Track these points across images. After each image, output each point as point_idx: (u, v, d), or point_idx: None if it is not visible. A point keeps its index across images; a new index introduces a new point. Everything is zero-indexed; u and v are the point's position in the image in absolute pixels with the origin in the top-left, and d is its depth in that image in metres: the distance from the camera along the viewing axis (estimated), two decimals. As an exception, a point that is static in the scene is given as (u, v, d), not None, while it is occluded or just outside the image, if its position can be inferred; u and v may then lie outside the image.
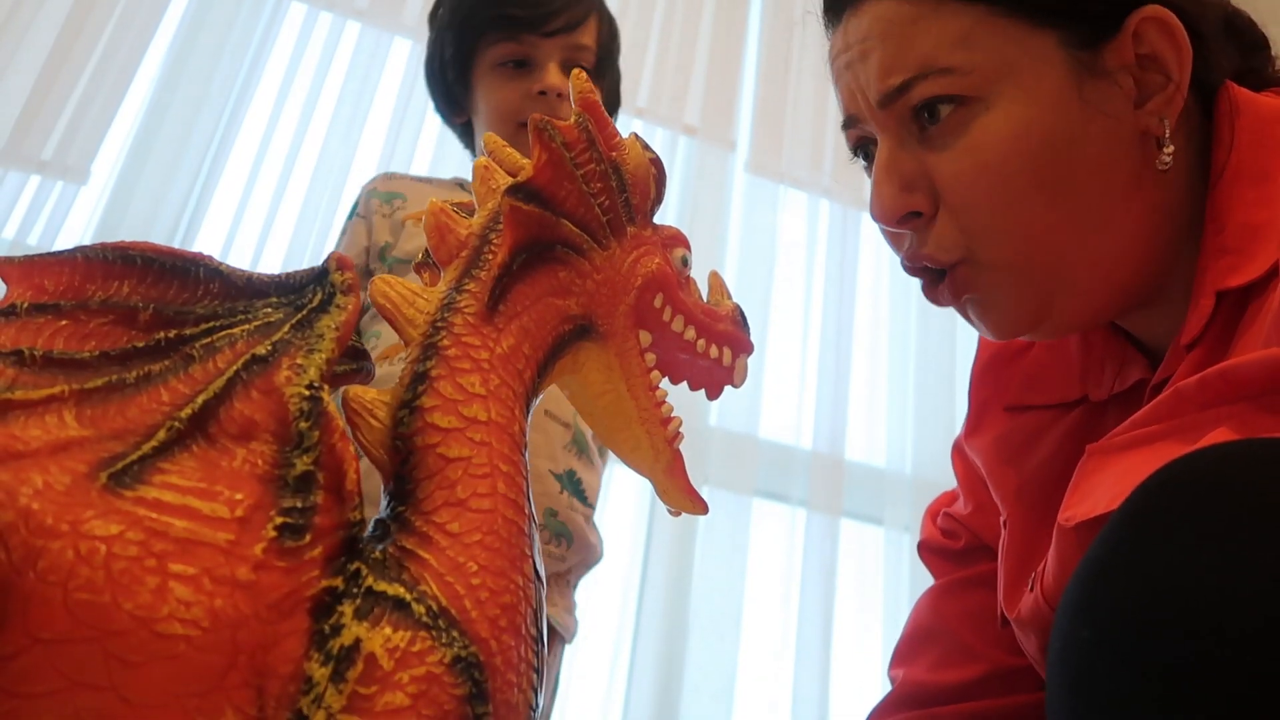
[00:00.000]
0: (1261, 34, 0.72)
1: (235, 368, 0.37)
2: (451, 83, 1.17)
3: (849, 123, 0.71)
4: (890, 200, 0.66)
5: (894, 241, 0.71)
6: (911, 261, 0.68)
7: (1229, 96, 0.66)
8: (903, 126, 0.66)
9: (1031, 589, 0.64)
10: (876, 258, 2.13)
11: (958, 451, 0.85)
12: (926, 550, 0.87)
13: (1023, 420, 0.78)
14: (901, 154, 0.66)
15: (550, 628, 0.97)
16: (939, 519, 0.87)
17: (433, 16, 1.22)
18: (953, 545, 0.84)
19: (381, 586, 0.36)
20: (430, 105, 1.82)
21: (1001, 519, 0.75)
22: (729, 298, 0.54)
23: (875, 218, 0.68)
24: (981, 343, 0.84)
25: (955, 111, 0.64)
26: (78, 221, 1.59)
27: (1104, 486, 0.53)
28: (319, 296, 0.40)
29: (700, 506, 0.50)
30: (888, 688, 0.83)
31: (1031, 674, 0.76)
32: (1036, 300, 0.66)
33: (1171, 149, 0.64)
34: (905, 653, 0.83)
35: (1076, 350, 0.76)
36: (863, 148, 0.72)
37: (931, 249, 0.66)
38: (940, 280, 0.68)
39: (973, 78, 0.63)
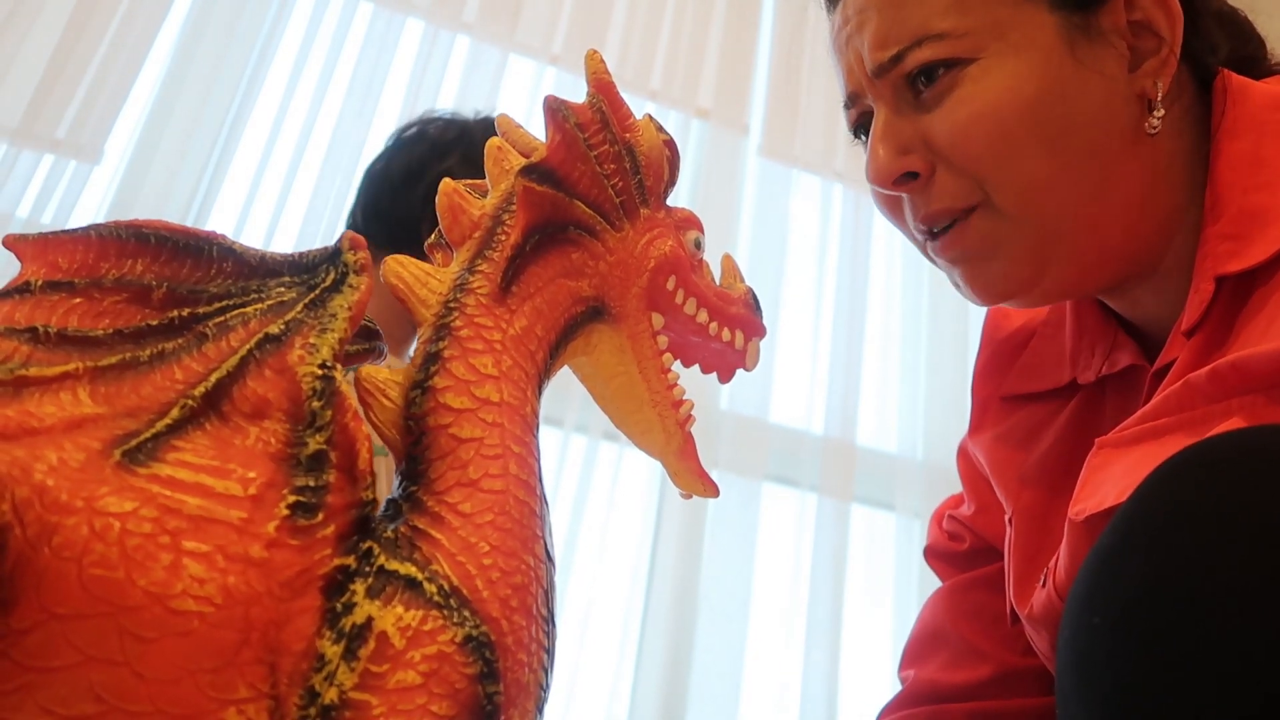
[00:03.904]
0: (1254, 28, 0.73)
1: (248, 346, 0.37)
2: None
3: (850, 101, 0.72)
4: (886, 161, 0.66)
5: (890, 207, 0.72)
6: (926, 224, 0.68)
7: (1227, 81, 0.66)
8: (898, 94, 0.67)
9: (1043, 585, 0.63)
10: (889, 243, 2.12)
11: (962, 453, 0.86)
12: (932, 555, 0.87)
13: (1023, 413, 0.78)
14: (897, 120, 0.67)
15: None
16: (944, 522, 0.87)
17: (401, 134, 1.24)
18: (957, 548, 0.84)
19: (393, 565, 0.36)
20: (442, 87, 1.82)
21: (1006, 516, 0.75)
22: (741, 281, 0.54)
23: (871, 180, 0.69)
24: (983, 343, 0.85)
25: (949, 73, 0.64)
26: (91, 200, 1.59)
27: (1114, 479, 0.53)
28: (332, 276, 0.40)
29: (711, 489, 0.50)
30: (898, 687, 0.83)
31: (1040, 676, 0.76)
32: (1035, 262, 0.66)
33: (1161, 112, 0.65)
34: (915, 654, 0.84)
35: (1070, 336, 0.76)
36: (863, 125, 0.72)
37: (944, 201, 0.66)
38: (939, 236, 0.68)
39: (966, 40, 0.64)
